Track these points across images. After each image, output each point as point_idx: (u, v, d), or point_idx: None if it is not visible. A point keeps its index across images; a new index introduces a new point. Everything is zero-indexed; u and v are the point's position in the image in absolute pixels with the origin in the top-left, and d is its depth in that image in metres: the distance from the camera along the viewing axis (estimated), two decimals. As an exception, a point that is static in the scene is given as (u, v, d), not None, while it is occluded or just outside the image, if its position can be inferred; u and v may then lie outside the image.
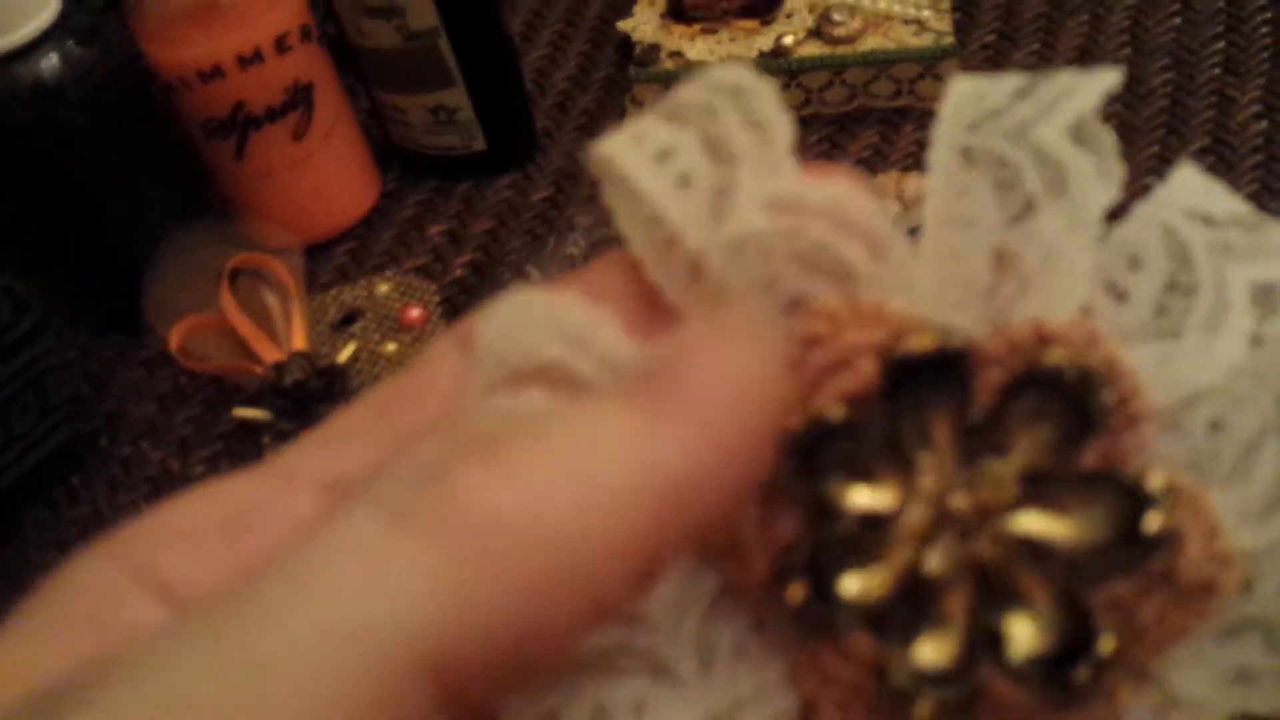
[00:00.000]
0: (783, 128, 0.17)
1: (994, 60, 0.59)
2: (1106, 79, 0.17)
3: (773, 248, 0.16)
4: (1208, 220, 0.17)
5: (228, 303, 0.51)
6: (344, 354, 0.52)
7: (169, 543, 0.16)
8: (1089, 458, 0.15)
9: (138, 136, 0.53)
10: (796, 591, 0.15)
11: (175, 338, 0.51)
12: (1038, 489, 0.15)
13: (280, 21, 0.53)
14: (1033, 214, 0.16)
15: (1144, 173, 0.52)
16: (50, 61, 0.50)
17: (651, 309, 0.17)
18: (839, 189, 0.16)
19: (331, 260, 0.58)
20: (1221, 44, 0.57)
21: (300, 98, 0.54)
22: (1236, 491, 0.16)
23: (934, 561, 0.15)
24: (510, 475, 0.13)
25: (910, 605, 0.15)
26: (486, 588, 0.12)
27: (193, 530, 0.16)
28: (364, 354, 0.53)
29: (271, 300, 0.52)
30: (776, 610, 0.16)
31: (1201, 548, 0.15)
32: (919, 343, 0.15)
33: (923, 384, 0.15)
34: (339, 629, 0.12)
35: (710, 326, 0.14)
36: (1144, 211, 0.17)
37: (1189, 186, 0.17)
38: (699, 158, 0.17)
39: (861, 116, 0.59)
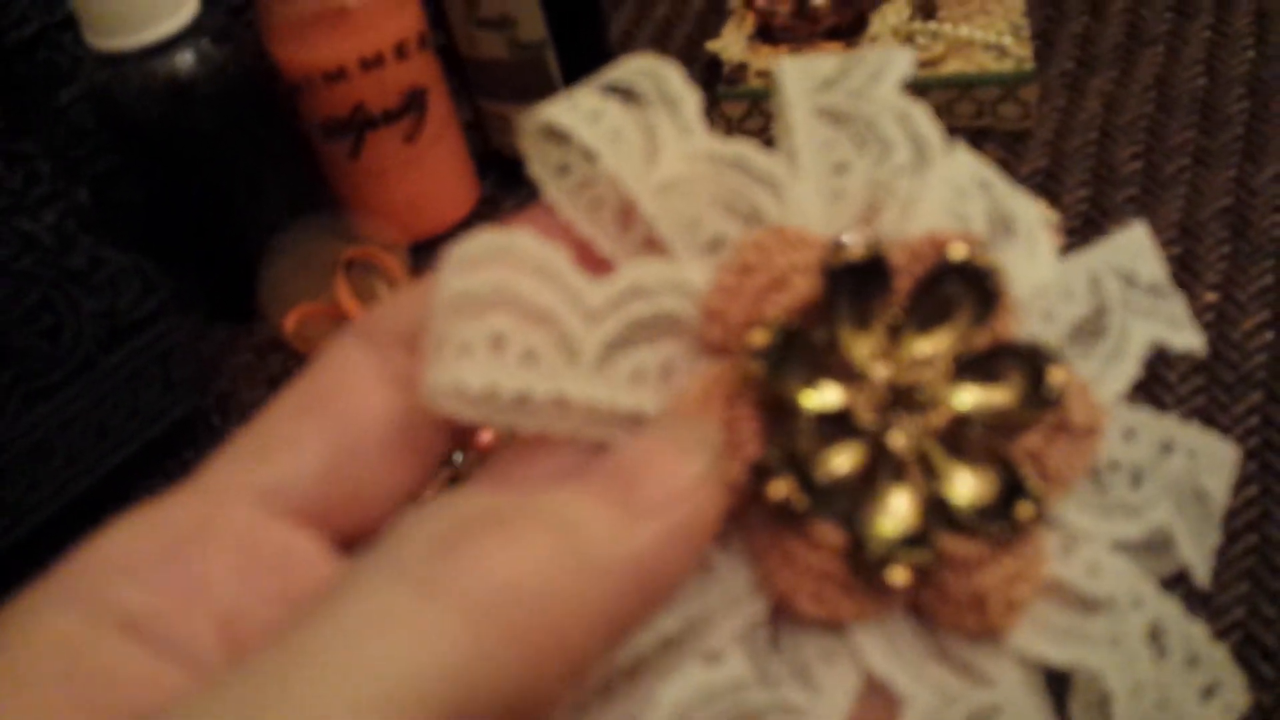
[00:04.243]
0: (690, 99, 0.19)
1: (1072, 86, 0.62)
2: (908, 56, 0.20)
3: (695, 191, 0.18)
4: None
5: (343, 291, 0.53)
6: (450, 343, 0.54)
7: (118, 576, 0.16)
8: (986, 336, 0.18)
9: (259, 134, 0.56)
10: (780, 487, 0.16)
11: (290, 322, 0.54)
12: (961, 365, 0.18)
13: (401, 29, 0.56)
14: (892, 153, 0.19)
15: (1221, 195, 0.54)
16: (185, 59, 0.53)
17: (584, 254, 0.19)
18: (741, 145, 0.19)
19: (433, 259, 0.60)
20: (1295, 76, 0.59)
21: (415, 102, 0.57)
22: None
23: (899, 440, 0.17)
24: (516, 552, 0.14)
25: (873, 483, 0.17)
26: (496, 649, 0.14)
27: (138, 560, 0.16)
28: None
29: (383, 291, 0.54)
30: (745, 521, 0.17)
31: (1082, 398, 0.18)
32: (855, 252, 0.17)
33: (854, 291, 0.17)
34: (385, 686, 0.13)
35: (664, 440, 0.17)
36: None
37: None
38: (625, 119, 0.19)
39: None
